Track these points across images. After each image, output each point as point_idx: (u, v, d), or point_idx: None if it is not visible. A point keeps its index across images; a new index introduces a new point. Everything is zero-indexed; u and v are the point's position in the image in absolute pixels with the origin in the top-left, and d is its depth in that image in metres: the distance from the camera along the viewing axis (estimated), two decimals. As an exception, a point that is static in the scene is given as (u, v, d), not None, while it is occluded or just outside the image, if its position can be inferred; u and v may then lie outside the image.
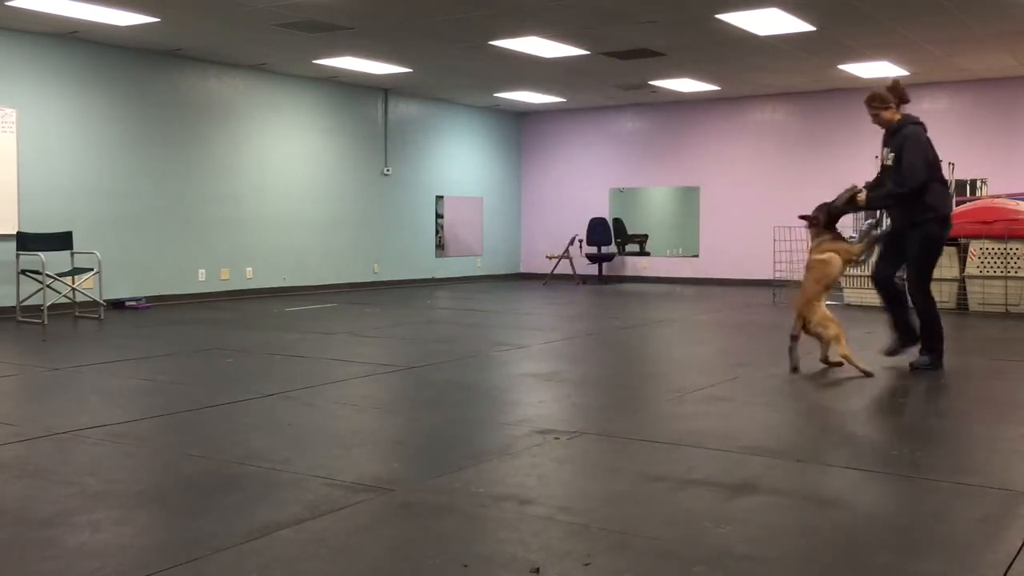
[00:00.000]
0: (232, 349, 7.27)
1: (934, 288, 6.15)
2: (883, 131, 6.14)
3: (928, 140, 6.01)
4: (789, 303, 6.06)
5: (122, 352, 7.25)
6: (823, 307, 6.05)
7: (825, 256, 6.08)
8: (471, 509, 3.17)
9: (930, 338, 6.06)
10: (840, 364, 6.00)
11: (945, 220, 6.01)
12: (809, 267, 6.16)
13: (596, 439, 4.24)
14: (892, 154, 5.98)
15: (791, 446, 4.08)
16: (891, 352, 6.18)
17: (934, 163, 6.01)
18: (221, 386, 5.66)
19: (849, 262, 6.23)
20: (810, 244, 6.30)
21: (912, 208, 5.92)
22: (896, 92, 6.05)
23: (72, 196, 10.24)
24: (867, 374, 5.79)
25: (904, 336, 6.15)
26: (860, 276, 10.85)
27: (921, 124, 6.05)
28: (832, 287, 6.20)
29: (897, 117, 6.02)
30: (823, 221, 6.17)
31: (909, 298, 6.13)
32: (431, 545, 2.83)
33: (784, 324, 9.28)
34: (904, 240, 6.02)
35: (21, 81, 9.82)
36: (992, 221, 9.96)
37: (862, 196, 6.10)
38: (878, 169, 6.29)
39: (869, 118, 6.14)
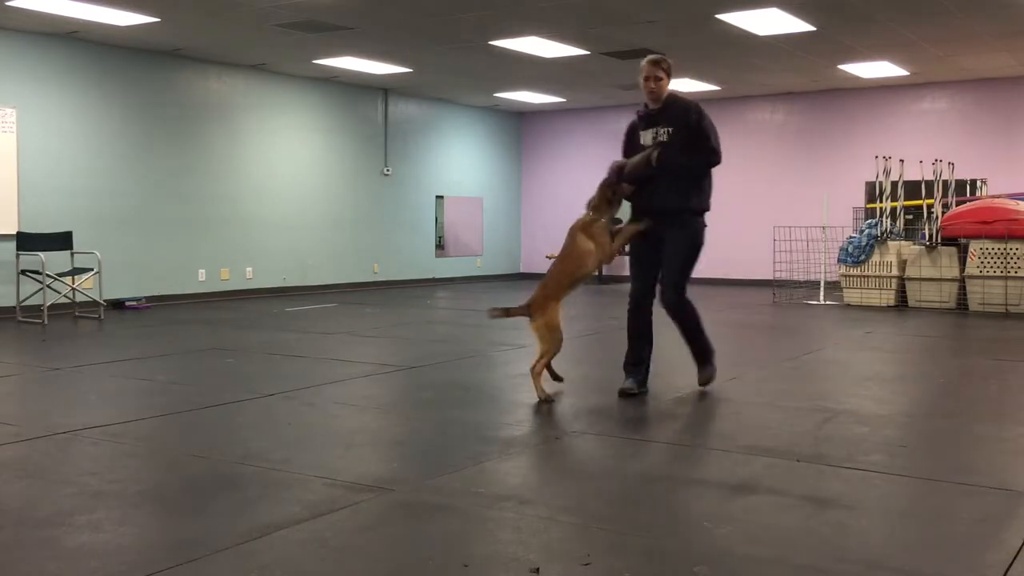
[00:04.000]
0: (232, 349, 7.27)
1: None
2: (646, 113, 5.23)
3: None
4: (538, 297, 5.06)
5: (122, 352, 7.25)
6: (559, 311, 5.03)
7: (590, 246, 5.03)
8: (471, 509, 3.17)
9: (705, 349, 5.35)
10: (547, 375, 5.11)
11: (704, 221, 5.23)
12: (568, 255, 5.07)
13: (596, 439, 4.24)
14: (667, 130, 5.07)
15: (791, 446, 4.08)
16: (627, 392, 5.11)
17: None
18: (221, 386, 5.66)
19: (600, 264, 5.22)
20: (584, 221, 5.11)
21: (685, 199, 5.09)
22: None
23: (72, 196, 10.24)
24: (546, 399, 4.93)
25: (644, 372, 5.27)
26: (860, 276, 10.86)
27: None
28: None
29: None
30: (609, 195, 5.09)
31: (668, 311, 5.22)
32: (431, 545, 2.83)
33: (784, 324, 9.31)
34: (662, 242, 5.13)
35: (21, 81, 9.82)
36: (992, 221, 9.96)
37: (655, 155, 5.01)
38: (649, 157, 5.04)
39: (651, 86, 5.13)
